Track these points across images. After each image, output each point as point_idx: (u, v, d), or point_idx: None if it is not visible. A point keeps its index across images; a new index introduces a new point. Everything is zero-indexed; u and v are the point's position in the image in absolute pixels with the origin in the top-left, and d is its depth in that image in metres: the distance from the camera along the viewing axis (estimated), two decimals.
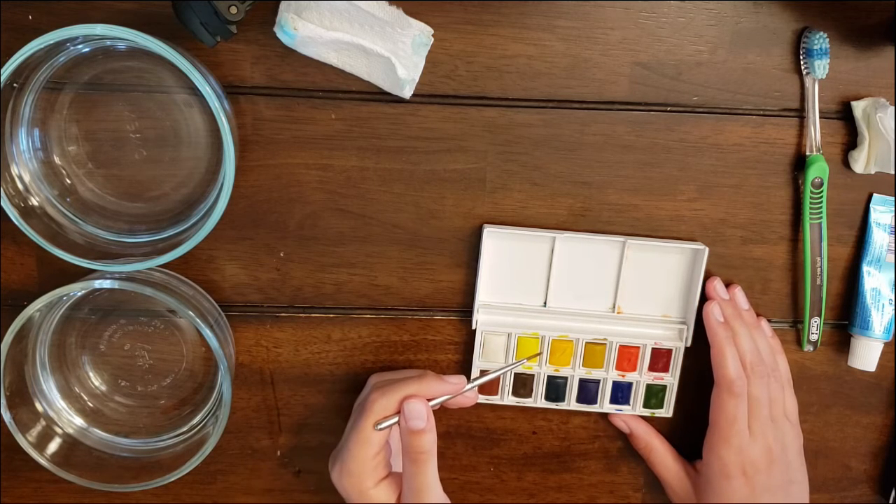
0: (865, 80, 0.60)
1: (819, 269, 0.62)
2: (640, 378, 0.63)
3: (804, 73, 0.59)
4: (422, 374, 0.56)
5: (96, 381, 0.63)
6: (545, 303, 0.62)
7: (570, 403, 0.63)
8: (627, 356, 0.62)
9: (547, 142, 0.59)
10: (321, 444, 0.64)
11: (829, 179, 0.60)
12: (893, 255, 0.63)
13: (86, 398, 0.62)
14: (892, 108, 0.58)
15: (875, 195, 0.62)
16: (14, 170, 0.54)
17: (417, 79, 0.56)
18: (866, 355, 0.63)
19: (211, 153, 0.57)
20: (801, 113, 0.60)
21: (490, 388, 0.63)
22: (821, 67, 0.58)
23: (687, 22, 0.58)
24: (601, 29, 0.57)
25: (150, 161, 0.57)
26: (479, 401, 0.63)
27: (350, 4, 0.52)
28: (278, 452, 0.65)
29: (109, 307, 0.61)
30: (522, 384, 0.63)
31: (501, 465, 0.66)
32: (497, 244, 0.61)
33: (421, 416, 0.54)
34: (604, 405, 0.64)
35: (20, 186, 0.54)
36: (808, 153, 0.60)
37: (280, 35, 0.53)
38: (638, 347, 0.62)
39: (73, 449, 0.60)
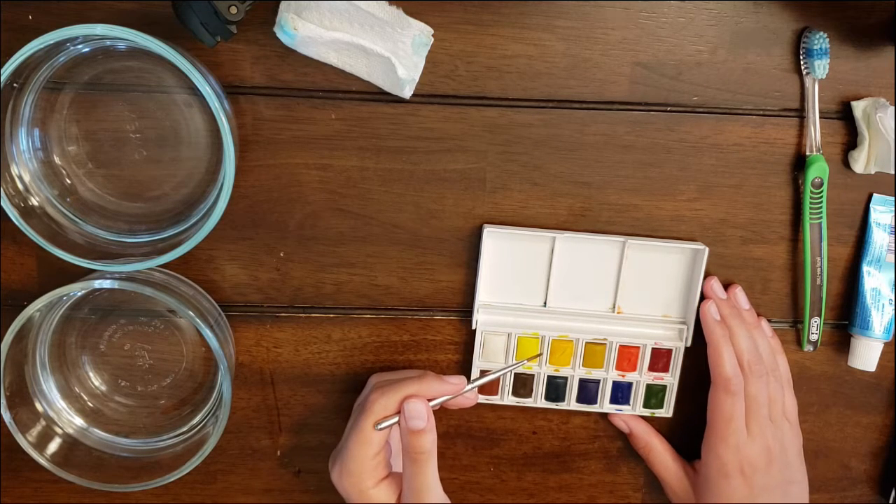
0: (865, 80, 0.60)
1: (819, 269, 0.62)
2: (640, 378, 0.63)
3: (804, 73, 0.59)
4: (422, 375, 0.56)
5: (96, 381, 0.63)
6: (545, 303, 0.62)
7: (570, 403, 0.63)
8: (627, 356, 0.62)
9: (547, 142, 0.59)
10: (321, 444, 0.64)
11: (829, 179, 0.60)
12: (893, 255, 0.63)
13: (86, 398, 0.62)
14: (892, 108, 0.58)
15: (875, 195, 0.62)
16: (14, 170, 0.54)
17: (417, 79, 0.56)
18: (866, 355, 0.63)
19: (211, 153, 0.57)
20: (801, 113, 0.60)
21: (490, 388, 0.63)
22: (821, 67, 0.58)
23: (687, 22, 0.58)
24: (601, 29, 0.57)
25: (150, 161, 0.57)
26: (479, 401, 0.63)
27: (350, 4, 0.52)
28: (278, 452, 0.65)
29: (109, 307, 0.61)
30: (522, 384, 0.63)
31: (501, 465, 0.67)
32: (497, 244, 0.61)
33: (421, 415, 0.54)
34: (604, 405, 0.64)
35: (20, 186, 0.54)
36: (808, 153, 0.60)
37: (280, 35, 0.53)
38: (638, 347, 0.62)
39: (73, 449, 0.60)
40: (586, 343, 0.62)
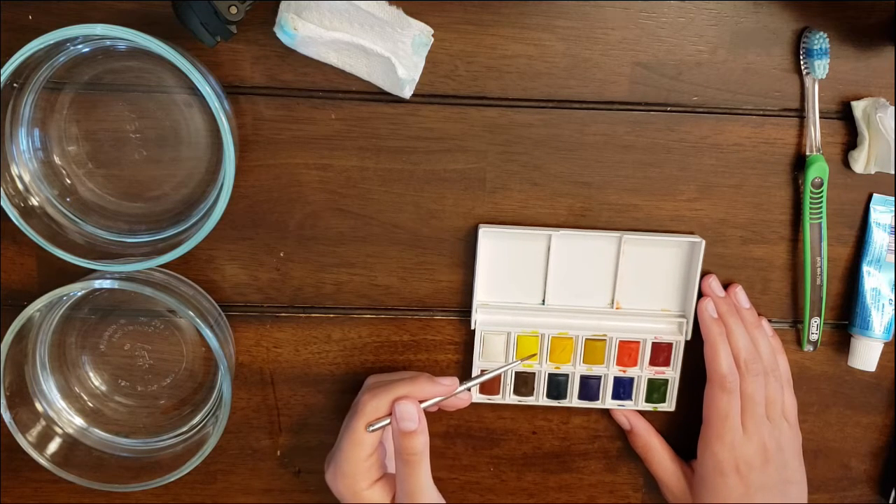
0: (865, 80, 0.60)
1: (819, 269, 0.62)
2: (642, 373, 0.63)
3: (804, 73, 0.59)
4: (415, 376, 0.57)
5: (96, 381, 0.63)
6: (543, 300, 0.62)
7: (572, 401, 0.63)
8: (628, 351, 0.63)
9: (547, 142, 0.59)
10: (321, 444, 0.64)
11: (829, 179, 0.60)
12: (893, 255, 0.63)
13: (86, 398, 0.62)
14: (892, 108, 0.58)
15: (875, 195, 0.62)
16: (14, 170, 0.54)
17: (417, 79, 0.56)
18: (866, 355, 0.63)
19: (211, 153, 0.57)
20: (801, 113, 0.60)
21: (491, 387, 0.63)
22: (821, 67, 0.58)
23: (687, 22, 0.58)
24: (601, 29, 0.57)
25: (150, 161, 0.57)
26: (479, 400, 0.63)
27: (350, 4, 0.52)
28: (278, 452, 0.65)
29: (109, 307, 0.61)
30: (524, 383, 0.63)
31: (501, 465, 0.67)
32: (493, 243, 0.61)
33: (412, 417, 0.54)
34: (606, 401, 0.64)
35: (20, 186, 0.54)
36: (808, 153, 0.60)
37: (280, 35, 0.53)
38: (638, 342, 0.62)
39: (73, 449, 0.60)
40: (586, 340, 0.62)
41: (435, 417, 0.64)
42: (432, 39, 0.55)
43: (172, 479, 0.57)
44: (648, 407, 0.64)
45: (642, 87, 0.59)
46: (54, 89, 0.55)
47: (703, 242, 0.61)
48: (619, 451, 0.67)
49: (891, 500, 0.68)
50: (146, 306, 0.61)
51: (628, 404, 0.64)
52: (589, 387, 0.63)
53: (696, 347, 0.62)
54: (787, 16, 0.58)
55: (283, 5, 0.53)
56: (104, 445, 0.61)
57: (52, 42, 0.48)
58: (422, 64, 0.56)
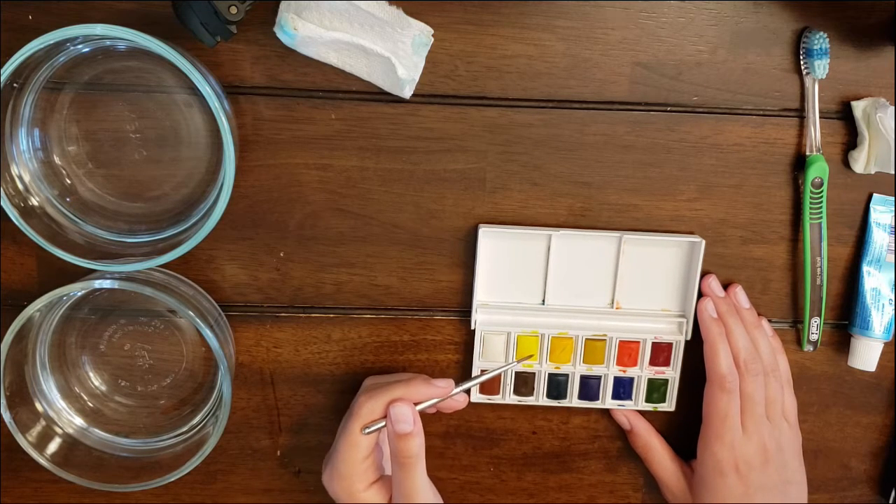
0: (865, 80, 0.60)
1: (819, 269, 0.62)
2: (642, 373, 0.63)
3: (804, 73, 0.59)
4: (410, 378, 0.57)
5: (96, 381, 0.63)
6: (543, 300, 0.62)
7: (572, 400, 0.63)
8: (628, 351, 0.63)
9: (547, 142, 0.59)
10: (321, 444, 0.64)
11: (829, 179, 0.60)
12: (893, 255, 0.63)
13: (86, 398, 0.62)
14: (892, 108, 0.58)
15: (875, 195, 0.62)
16: (14, 170, 0.54)
17: (417, 79, 0.56)
18: (866, 355, 0.63)
19: (211, 153, 0.57)
20: (801, 113, 0.60)
21: (491, 387, 0.63)
22: (821, 67, 0.58)
23: (687, 22, 0.58)
24: (601, 29, 0.57)
25: (150, 161, 0.57)
26: (479, 400, 0.63)
27: (350, 4, 0.52)
28: (278, 452, 0.65)
29: (109, 307, 0.61)
30: (524, 383, 0.63)
31: (501, 465, 0.67)
32: (493, 243, 0.61)
33: (407, 419, 0.54)
34: (606, 401, 0.64)
35: (20, 186, 0.54)
36: (808, 153, 0.60)
37: (280, 35, 0.53)
38: (638, 342, 0.62)
39: (73, 449, 0.60)
40: (586, 339, 0.62)
41: (434, 418, 0.64)
42: (432, 39, 0.55)
43: (172, 479, 0.57)
44: (648, 407, 0.64)
45: (642, 87, 0.59)
46: (54, 89, 0.55)
47: (703, 242, 0.61)
48: (619, 451, 0.67)
49: (891, 500, 0.68)
50: (146, 306, 0.61)
51: (628, 404, 0.64)
52: (589, 387, 0.63)
53: (696, 347, 0.62)
54: (787, 16, 0.58)
55: (283, 5, 0.53)
56: (104, 445, 0.61)
57: (52, 42, 0.48)
58: (422, 64, 0.56)
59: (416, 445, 0.54)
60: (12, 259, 0.59)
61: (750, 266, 0.63)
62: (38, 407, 0.59)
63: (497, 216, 0.61)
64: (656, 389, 0.64)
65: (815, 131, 0.60)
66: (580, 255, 0.61)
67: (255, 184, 0.59)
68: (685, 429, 0.65)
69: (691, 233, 0.62)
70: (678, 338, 0.63)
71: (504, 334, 0.62)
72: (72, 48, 0.53)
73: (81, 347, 0.62)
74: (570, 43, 0.57)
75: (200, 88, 0.49)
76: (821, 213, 0.61)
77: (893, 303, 0.63)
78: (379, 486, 0.56)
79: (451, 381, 0.56)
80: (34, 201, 0.55)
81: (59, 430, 0.60)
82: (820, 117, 0.60)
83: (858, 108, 0.59)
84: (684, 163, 0.60)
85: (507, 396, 0.63)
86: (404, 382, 0.56)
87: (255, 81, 0.57)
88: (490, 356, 0.62)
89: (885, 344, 0.63)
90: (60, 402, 0.61)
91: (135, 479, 0.58)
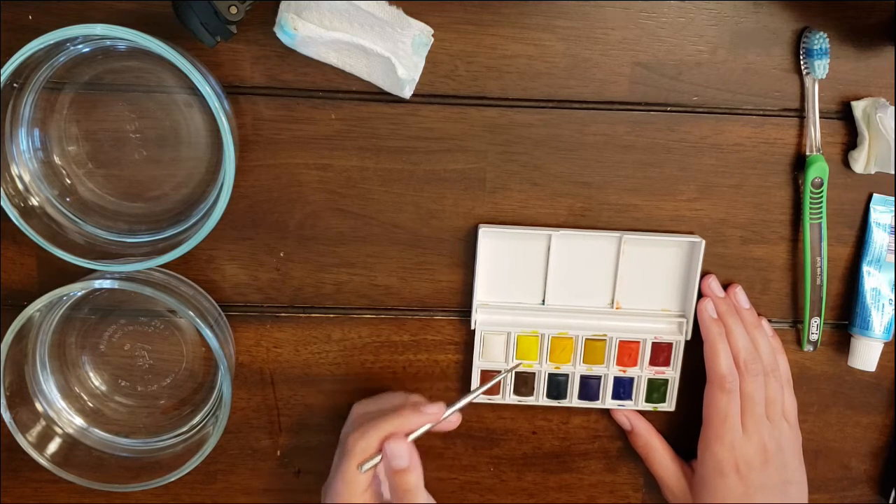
0: (865, 80, 0.60)
1: (819, 269, 0.62)
2: (642, 373, 0.63)
3: (804, 73, 0.59)
4: (400, 408, 0.56)
5: (96, 381, 0.63)
6: (543, 300, 0.62)
7: (572, 400, 0.63)
8: (628, 351, 0.63)
9: (547, 142, 0.59)
10: (321, 444, 0.64)
11: (829, 179, 0.60)
12: (893, 255, 0.63)
13: (86, 398, 0.62)
14: (892, 108, 0.58)
15: (875, 195, 0.62)
16: (14, 170, 0.54)
17: (417, 79, 0.56)
18: (866, 355, 0.63)
19: (211, 153, 0.57)
20: (801, 113, 0.60)
21: (491, 387, 0.63)
22: (821, 67, 0.58)
23: (687, 22, 0.58)
24: (601, 29, 0.57)
25: (150, 161, 0.57)
26: (479, 400, 0.63)
27: (350, 4, 0.52)
28: (278, 452, 0.65)
29: (109, 307, 0.61)
30: (524, 383, 0.63)
31: (501, 465, 0.67)
32: (493, 243, 0.61)
33: (402, 455, 0.53)
34: (606, 401, 0.64)
35: (20, 186, 0.54)
36: (808, 153, 0.60)
37: (280, 35, 0.53)
38: (638, 342, 0.62)
39: (73, 449, 0.60)
40: (586, 339, 0.62)
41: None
42: (432, 39, 0.55)
43: (172, 479, 0.57)
44: (648, 407, 0.64)
45: (642, 87, 0.59)
46: (54, 89, 0.55)
47: (703, 242, 0.61)
48: (619, 451, 0.67)
49: (891, 500, 0.68)
50: (146, 306, 0.61)
51: (628, 404, 0.64)
52: (589, 387, 0.63)
53: (696, 347, 0.62)
54: (787, 16, 0.58)
55: (283, 5, 0.53)
56: (104, 445, 0.61)
57: (52, 42, 0.48)
58: (422, 64, 0.56)
59: (414, 478, 0.54)
60: (12, 259, 0.59)
61: (750, 266, 0.63)
62: (38, 407, 0.59)
63: (497, 216, 0.61)
64: (656, 389, 0.64)
65: (815, 131, 0.60)
66: (580, 255, 0.61)
67: (255, 184, 0.59)
68: (685, 429, 0.65)
69: (691, 233, 0.62)
70: (678, 338, 0.63)
71: (504, 334, 0.62)
72: (72, 48, 0.53)
73: (81, 347, 0.62)
74: (570, 43, 0.57)
75: (200, 88, 0.49)
76: (821, 213, 0.61)
77: (893, 303, 0.63)
78: None
79: (441, 405, 0.56)
80: (34, 201, 0.55)
81: (59, 430, 0.60)
82: (820, 117, 0.60)
83: (858, 108, 0.59)
84: (684, 163, 0.60)
85: (507, 396, 0.63)
86: (395, 415, 0.55)
87: (255, 81, 0.57)
88: (490, 356, 0.62)
89: (885, 344, 0.63)
90: (60, 402, 0.61)
91: (135, 479, 0.58)
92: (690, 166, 0.61)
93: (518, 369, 0.62)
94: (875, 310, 0.62)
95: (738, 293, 0.63)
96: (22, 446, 0.57)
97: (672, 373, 0.63)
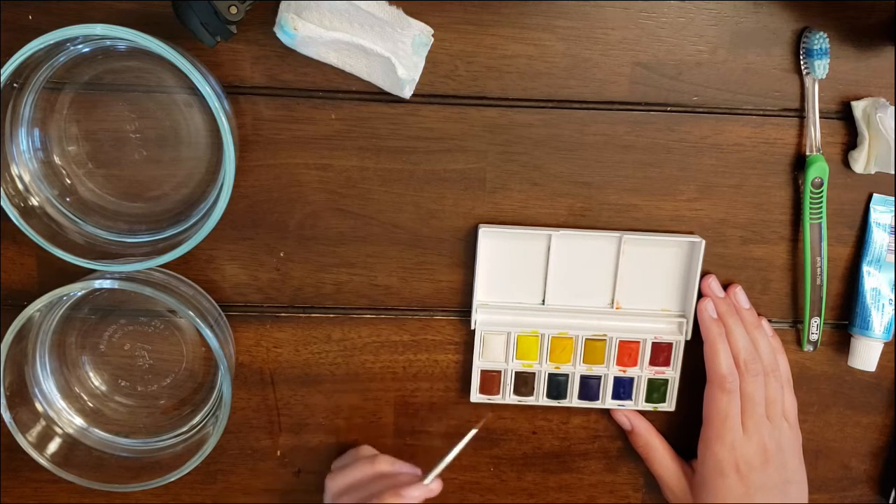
0: (865, 80, 0.60)
1: (819, 269, 0.62)
2: (642, 373, 0.63)
3: (804, 73, 0.59)
4: (379, 495, 0.55)
5: (96, 381, 0.63)
6: (543, 300, 0.62)
7: (572, 400, 0.63)
8: (628, 351, 0.63)
9: (547, 142, 0.59)
10: (321, 444, 0.64)
11: (829, 179, 0.60)
12: (893, 255, 0.63)
13: (86, 398, 0.62)
14: (892, 108, 0.58)
15: (875, 195, 0.62)
16: (14, 170, 0.54)
17: (417, 79, 0.56)
18: (866, 355, 0.63)
19: (211, 153, 0.57)
20: (801, 113, 0.60)
21: (491, 387, 0.63)
22: (821, 67, 0.58)
23: (687, 22, 0.58)
24: (601, 29, 0.57)
25: (150, 161, 0.57)
26: (480, 400, 0.63)
27: (350, 4, 0.52)
28: (278, 452, 0.65)
29: (109, 307, 0.61)
30: (524, 383, 0.63)
31: (501, 465, 0.66)
32: (493, 243, 0.61)
33: None
34: (606, 401, 0.64)
35: (20, 186, 0.54)
36: (808, 153, 0.60)
37: (280, 35, 0.53)
38: (638, 342, 0.62)
39: (73, 449, 0.60)
40: (586, 339, 0.62)
41: (434, 418, 0.64)
42: (432, 39, 0.55)
43: (172, 479, 0.57)
44: (648, 407, 0.64)
45: (642, 87, 0.59)
46: (54, 89, 0.55)
47: (703, 242, 0.61)
48: (619, 451, 0.67)
49: (891, 500, 0.68)
50: (146, 306, 0.61)
51: (628, 404, 0.64)
52: (589, 387, 0.63)
53: (696, 347, 0.62)
54: (787, 16, 0.58)
55: (283, 5, 0.53)
56: (104, 445, 0.61)
57: (52, 42, 0.48)
58: (422, 64, 0.56)
59: None
60: (12, 259, 0.59)
61: (750, 266, 0.63)
62: (38, 407, 0.59)
63: (497, 216, 0.61)
64: (656, 389, 0.64)
65: (815, 131, 0.60)
66: (580, 255, 0.61)
67: (255, 184, 0.59)
68: (685, 429, 0.65)
69: (691, 233, 0.62)
70: (678, 338, 0.63)
71: (504, 334, 0.62)
72: (72, 48, 0.53)
73: (81, 347, 0.62)
74: (570, 43, 0.57)
75: (200, 88, 0.49)
76: (821, 213, 0.61)
77: (893, 303, 0.63)
78: None
79: (419, 484, 0.56)
80: (34, 201, 0.55)
81: (59, 430, 0.60)
82: (820, 117, 0.60)
83: (858, 108, 0.59)
84: (684, 163, 0.60)
85: (507, 396, 0.63)
86: (374, 496, 0.55)
87: (255, 81, 0.57)
88: (490, 356, 0.62)
89: (885, 344, 0.63)
90: (60, 402, 0.61)
91: (135, 479, 0.58)
92: (690, 166, 0.61)
93: (518, 368, 0.62)
94: (875, 310, 0.62)
95: (738, 293, 0.63)
96: (22, 446, 0.57)
97: (672, 373, 0.63)
